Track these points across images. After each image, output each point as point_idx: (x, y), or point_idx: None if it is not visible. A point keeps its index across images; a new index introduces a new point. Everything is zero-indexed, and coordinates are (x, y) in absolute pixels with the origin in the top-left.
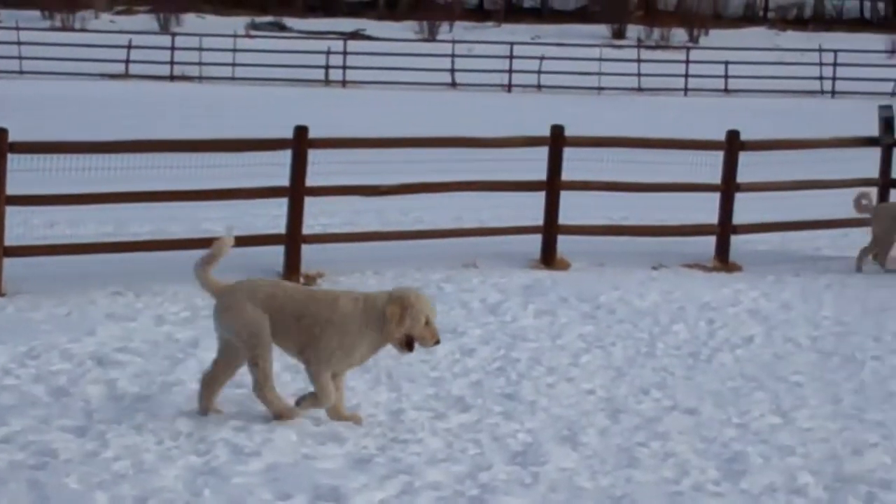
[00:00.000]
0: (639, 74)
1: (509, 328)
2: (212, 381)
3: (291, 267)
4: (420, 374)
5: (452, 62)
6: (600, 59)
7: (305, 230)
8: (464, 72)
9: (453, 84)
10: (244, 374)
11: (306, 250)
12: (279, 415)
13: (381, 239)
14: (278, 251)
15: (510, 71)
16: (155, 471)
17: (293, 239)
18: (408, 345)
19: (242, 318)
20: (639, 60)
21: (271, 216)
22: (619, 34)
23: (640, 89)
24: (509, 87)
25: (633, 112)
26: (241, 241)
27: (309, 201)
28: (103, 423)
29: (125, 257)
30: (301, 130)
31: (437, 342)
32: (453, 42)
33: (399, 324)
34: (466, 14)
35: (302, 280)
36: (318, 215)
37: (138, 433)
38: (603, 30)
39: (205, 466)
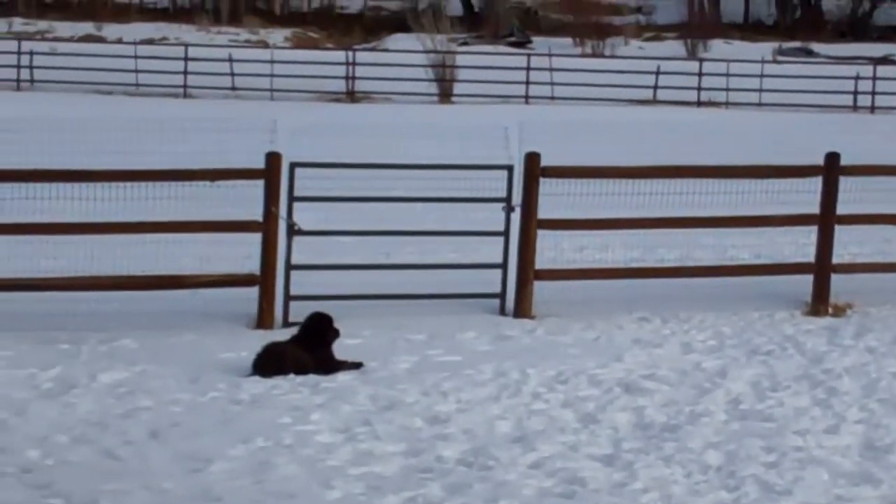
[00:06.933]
0: None
1: None
2: None
3: (819, 297)
4: None
5: None
6: None
7: (835, 259)
8: None
9: None
10: (773, 406)
11: (835, 280)
12: None
13: None
14: (806, 280)
15: None
16: None
17: (822, 268)
18: None
19: None
20: None
21: (798, 244)
22: None
23: None
24: None
25: None
26: (768, 270)
27: (838, 229)
28: (631, 453)
29: (652, 283)
30: (832, 157)
31: None
32: None
33: None
34: None
35: (830, 311)
36: (848, 244)
37: (666, 465)
38: None
39: (734, 503)
